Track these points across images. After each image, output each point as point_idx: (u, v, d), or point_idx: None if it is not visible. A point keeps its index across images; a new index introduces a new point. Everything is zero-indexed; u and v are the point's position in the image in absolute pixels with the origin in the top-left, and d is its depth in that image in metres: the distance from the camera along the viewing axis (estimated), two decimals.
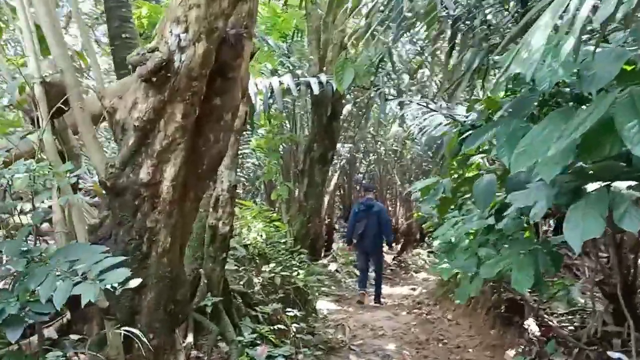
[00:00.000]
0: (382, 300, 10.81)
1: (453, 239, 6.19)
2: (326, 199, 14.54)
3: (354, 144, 15.57)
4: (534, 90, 3.96)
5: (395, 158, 18.25)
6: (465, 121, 6.04)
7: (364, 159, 19.41)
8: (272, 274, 6.51)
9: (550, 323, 5.77)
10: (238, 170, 17.52)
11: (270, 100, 7.55)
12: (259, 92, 7.23)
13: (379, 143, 17.70)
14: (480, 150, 6.82)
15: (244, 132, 8.73)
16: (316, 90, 7.19)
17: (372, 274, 11.64)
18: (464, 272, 5.57)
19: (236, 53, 3.25)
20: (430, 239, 17.93)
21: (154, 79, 2.97)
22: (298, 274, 7.10)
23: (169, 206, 3.21)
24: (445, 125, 8.14)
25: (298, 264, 7.32)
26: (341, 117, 9.34)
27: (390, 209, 18.25)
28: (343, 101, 8.49)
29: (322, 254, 14.79)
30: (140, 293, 3.24)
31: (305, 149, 8.06)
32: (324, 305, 10.34)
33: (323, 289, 12.12)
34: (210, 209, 4.81)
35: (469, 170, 7.41)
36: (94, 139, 3.27)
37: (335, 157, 11.05)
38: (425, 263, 19.43)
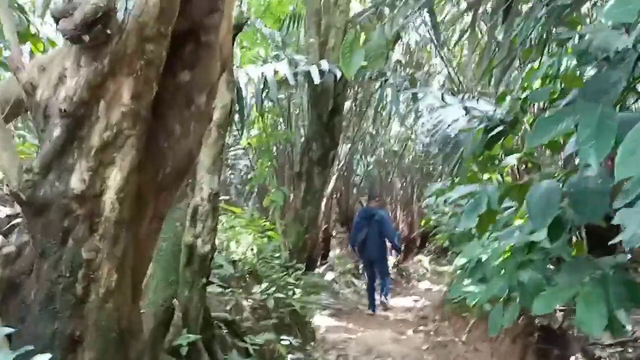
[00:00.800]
0: (387, 306, 10.98)
1: (484, 257, 5.21)
2: (323, 203, 13.55)
3: (352, 144, 14.57)
4: (613, 65, 2.96)
5: (396, 159, 17.26)
6: (493, 115, 5.24)
7: (361, 160, 18.41)
8: (265, 296, 5.52)
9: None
10: (229, 172, 16.54)
11: (264, 93, 6.56)
12: (250, 82, 6.23)
13: (379, 143, 16.72)
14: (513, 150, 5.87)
15: (234, 129, 7.69)
16: (317, 79, 6.17)
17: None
18: (494, 297, 4.60)
19: (213, 5, 2.24)
20: (433, 245, 17.02)
21: (87, 39, 1.96)
22: (294, 293, 6.12)
23: (115, 229, 2.18)
24: (468, 120, 7.18)
25: (294, 281, 6.33)
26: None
27: (389, 213, 17.26)
28: (347, 93, 7.55)
29: (319, 263, 13.81)
30: (73, 353, 2.23)
31: (302, 149, 6.96)
32: (321, 321, 9.41)
33: (320, 301, 11.17)
34: (187, 223, 3.79)
35: (491, 173, 6.52)
36: (2, 131, 2.22)
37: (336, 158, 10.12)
38: (427, 271, 18.47)
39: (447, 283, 15.81)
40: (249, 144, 7.59)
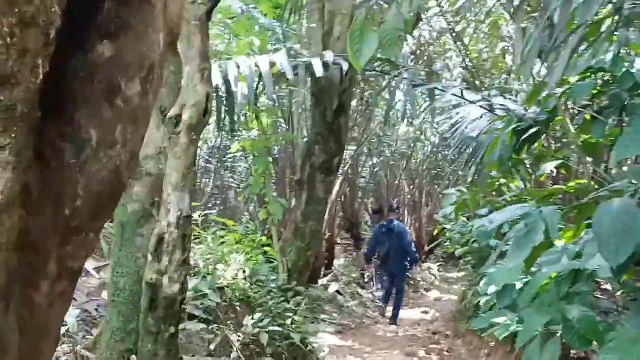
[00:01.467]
0: (397, 321, 10.70)
1: (518, 285, 4.32)
2: (326, 210, 12.66)
3: (358, 146, 13.70)
4: None
5: (404, 162, 16.36)
6: (525, 115, 4.55)
7: (367, 163, 17.51)
8: (257, 329, 4.63)
9: None
10: (229, 175, 15.59)
11: (258, 89, 5.66)
12: (241, 77, 5.29)
13: (385, 145, 15.82)
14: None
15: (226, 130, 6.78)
16: (319, 72, 5.23)
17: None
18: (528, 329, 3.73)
19: None
20: (442, 250, 16.10)
21: None
22: (293, 322, 5.22)
23: None
24: (489, 121, 6.32)
25: (294, 307, 5.42)
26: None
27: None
28: (354, 90, 6.57)
29: (322, 273, 12.94)
30: None
31: (303, 154, 5.92)
32: (324, 339, 8.59)
33: (323, 316, 10.33)
34: (150, 257, 2.89)
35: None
36: None
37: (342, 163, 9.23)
38: (436, 279, 17.53)
39: (457, 293, 14.96)
40: (242, 147, 6.62)
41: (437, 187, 17.74)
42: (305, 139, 6.57)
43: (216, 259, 5.06)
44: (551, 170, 5.62)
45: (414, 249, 10.86)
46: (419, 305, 14.12)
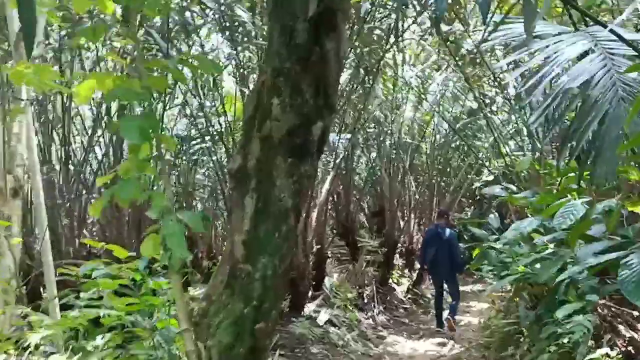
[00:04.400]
0: (454, 327, 10.24)
1: None
2: (314, 214, 9.56)
3: (352, 134, 10.62)
4: None
5: (409, 153, 13.29)
6: None
7: (363, 155, 14.47)
8: None
9: None
10: (201, 171, 12.48)
11: None
12: None
13: (387, 132, 12.77)
14: None
15: None
16: None
17: None
18: None
19: None
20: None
21: None
22: None
23: None
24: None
25: None
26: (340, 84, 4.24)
27: (401, 223, 13.28)
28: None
29: (310, 296, 9.88)
30: None
31: (248, 115, 2.84)
32: None
33: None
34: None
35: None
36: None
37: (329, 141, 6.27)
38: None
39: (476, 313, 11.88)
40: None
41: (449, 182, 14.73)
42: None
43: None
44: None
45: (462, 258, 10.69)
46: (432, 332, 11.06)
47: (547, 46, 3.45)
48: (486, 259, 6.18)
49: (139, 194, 2.26)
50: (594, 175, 3.26)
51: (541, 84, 3.52)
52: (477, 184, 16.54)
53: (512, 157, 9.93)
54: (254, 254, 2.65)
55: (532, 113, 5.59)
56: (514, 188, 5.95)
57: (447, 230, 10.28)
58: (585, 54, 3.56)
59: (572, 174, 4.85)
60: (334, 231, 13.39)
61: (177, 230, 2.24)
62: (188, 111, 9.87)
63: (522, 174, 7.76)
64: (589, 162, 3.26)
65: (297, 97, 2.72)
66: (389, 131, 12.48)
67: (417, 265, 13.57)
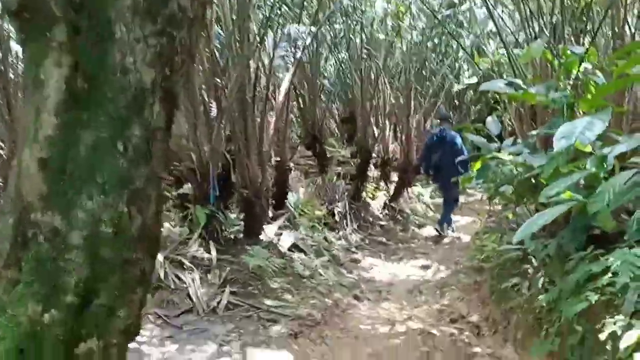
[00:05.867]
0: (448, 230, 10.47)
1: None
2: (271, 119, 8.01)
3: (317, 26, 8.94)
4: None
5: (382, 52, 11.62)
6: None
7: (331, 55, 12.80)
8: None
9: None
10: None
11: None
12: None
13: (356, 28, 11.06)
14: None
15: None
16: None
17: None
18: None
19: None
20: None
21: None
22: None
23: None
24: None
25: None
26: None
27: (376, 130, 11.82)
28: None
29: (270, 216, 8.49)
30: None
31: None
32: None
33: (268, 303, 6.15)
34: None
35: None
36: None
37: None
38: (429, 208, 13.26)
39: (461, 228, 10.77)
40: None
41: (428, 86, 13.18)
42: None
43: None
44: None
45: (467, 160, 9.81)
46: (413, 252, 9.91)
47: None
48: (489, 173, 4.78)
49: None
50: None
51: None
52: (457, 87, 15.15)
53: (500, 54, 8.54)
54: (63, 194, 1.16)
55: None
56: (521, 83, 4.50)
57: (449, 134, 10.10)
58: None
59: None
60: (299, 139, 11.89)
61: None
62: None
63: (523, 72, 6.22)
64: None
65: None
66: (359, 26, 10.78)
67: (395, 177, 12.33)
